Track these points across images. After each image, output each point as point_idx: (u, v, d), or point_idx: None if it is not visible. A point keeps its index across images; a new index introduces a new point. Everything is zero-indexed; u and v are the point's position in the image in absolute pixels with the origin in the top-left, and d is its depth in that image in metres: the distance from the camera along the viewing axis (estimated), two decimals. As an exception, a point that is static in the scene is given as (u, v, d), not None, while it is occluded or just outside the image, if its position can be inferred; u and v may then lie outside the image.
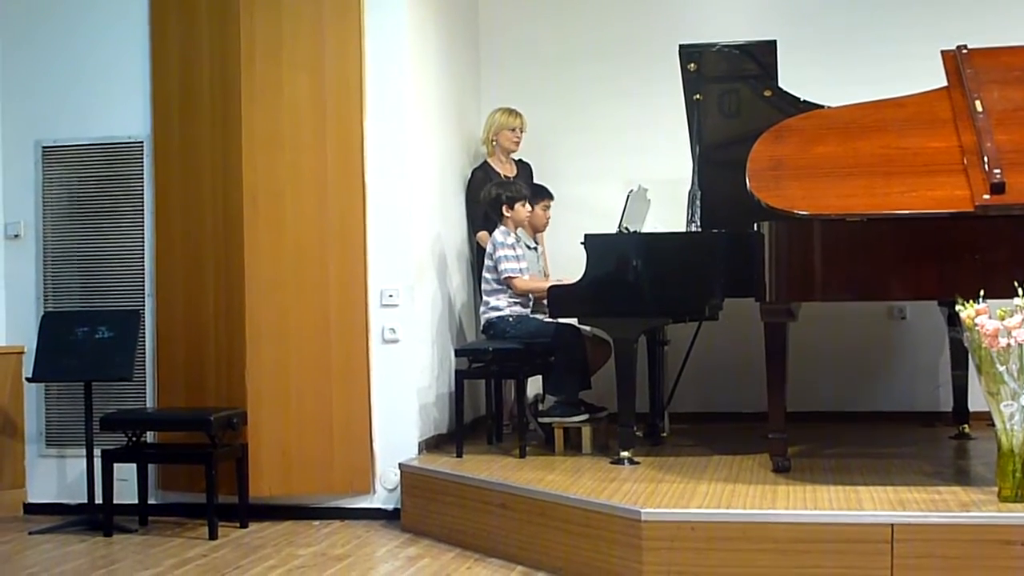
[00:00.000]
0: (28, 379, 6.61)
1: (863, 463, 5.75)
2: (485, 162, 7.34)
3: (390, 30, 6.45)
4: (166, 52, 6.71)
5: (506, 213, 6.69)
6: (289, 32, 6.43)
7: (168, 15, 6.71)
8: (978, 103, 5.52)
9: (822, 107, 6.02)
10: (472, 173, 7.35)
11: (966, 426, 6.53)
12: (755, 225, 5.59)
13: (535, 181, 7.23)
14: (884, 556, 4.56)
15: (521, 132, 7.33)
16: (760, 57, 6.32)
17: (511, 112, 7.32)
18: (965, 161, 5.30)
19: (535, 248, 6.97)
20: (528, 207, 6.77)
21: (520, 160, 7.44)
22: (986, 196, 5.12)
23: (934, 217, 5.18)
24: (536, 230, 7.03)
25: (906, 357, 7.39)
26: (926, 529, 4.56)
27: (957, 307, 4.88)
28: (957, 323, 4.99)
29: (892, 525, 4.57)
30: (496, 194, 6.73)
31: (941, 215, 5.17)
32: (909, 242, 5.23)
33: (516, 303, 6.60)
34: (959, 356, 6.45)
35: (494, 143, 7.32)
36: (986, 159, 5.24)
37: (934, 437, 6.61)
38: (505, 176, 7.21)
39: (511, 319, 6.56)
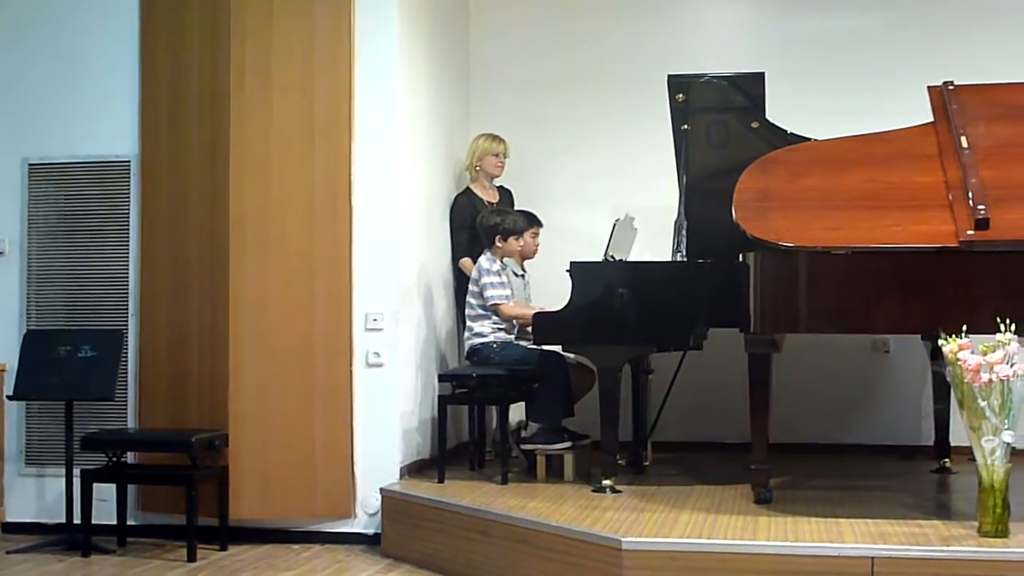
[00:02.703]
0: (9, 397, 6.58)
1: (845, 495, 5.76)
2: (468, 188, 7.36)
3: (380, 56, 6.48)
4: (155, 72, 6.72)
5: (498, 243, 6.70)
6: (279, 56, 6.45)
7: (158, 35, 6.72)
8: (963, 139, 5.57)
9: (809, 139, 6.06)
10: (455, 199, 7.36)
11: (947, 460, 6.55)
12: (740, 256, 5.62)
13: (517, 207, 7.25)
14: (864, 589, 4.56)
15: (504, 158, 7.35)
16: (748, 89, 6.35)
17: (494, 138, 7.34)
18: (950, 196, 5.34)
19: (522, 276, 6.99)
20: (520, 241, 6.78)
21: (501, 186, 7.46)
22: (970, 232, 5.16)
23: (919, 251, 5.21)
24: (525, 258, 7.04)
25: (889, 390, 7.41)
26: (906, 563, 4.57)
27: (940, 342, 4.92)
28: (940, 357, 5.03)
29: (872, 558, 4.58)
30: (494, 223, 6.73)
31: (925, 249, 5.20)
32: (893, 276, 5.26)
33: (500, 329, 6.61)
34: (941, 390, 6.47)
35: (477, 168, 7.33)
36: (971, 195, 5.28)
37: (915, 471, 6.62)
38: (488, 202, 7.23)
39: (495, 345, 6.57)
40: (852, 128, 5.84)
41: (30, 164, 6.93)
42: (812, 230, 5.36)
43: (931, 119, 5.77)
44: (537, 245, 7.03)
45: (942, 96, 5.82)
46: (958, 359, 4.80)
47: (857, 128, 5.82)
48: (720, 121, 6.40)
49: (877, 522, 5.04)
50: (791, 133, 6.22)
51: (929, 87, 5.89)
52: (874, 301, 5.31)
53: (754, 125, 6.31)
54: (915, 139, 5.67)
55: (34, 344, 6.55)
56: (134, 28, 6.77)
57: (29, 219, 6.93)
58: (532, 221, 7.00)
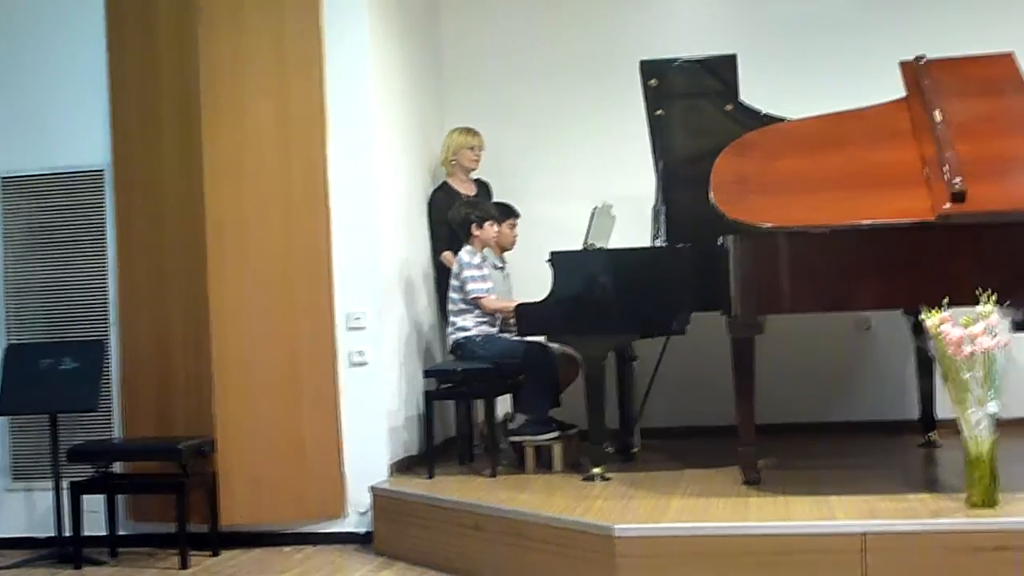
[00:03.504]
0: (-8, 413, 6.58)
1: (834, 473, 5.80)
2: (445, 182, 7.35)
3: (351, 52, 6.48)
4: (125, 79, 6.72)
5: (474, 232, 6.70)
6: (249, 57, 6.43)
7: (125, 41, 6.71)
8: (937, 113, 5.58)
9: (783, 120, 6.08)
10: (432, 194, 7.35)
11: (933, 434, 6.58)
12: (720, 239, 5.63)
13: (495, 200, 7.25)
14: (856, 566, 4.60)
15: (480, 151, 7.34)
16: (721, 72, 6.34)
17: (469, 131, 7.33)
18: (926, 171, 5.36)
19: (502, 268, 7.00)
20: (496, 226, 6.79)
21: (479, 179, 7.45)
22: (946, 205, 5.17)
23: (897, 227, 5.23)
24: (503, 249, 7.06)
25: (873, 367, 7.43)
26: (897, 537, 4.60)
27: (922, 316, 4.94)
28: (922, 332, 5.05)
29: (864, 534, 4.61)
30: (465, 214, 6.75)
31: (903, 225, 5.22)
32: (873, 253, 5.29)
33: (483, 323, 6.62)
34: (925, 365, 6.50)
35: (453, 163, 7.32)
36: (946, 169, 5.29)
37: (902, 445, 6.64)
38: (466, 195, 7.23)
39: (479, 339, 6.58)
40: (827, 107, 5.84)
41: (2, 177, 6.91)
42: (790, 210, 5.38)
43: (903, 95, 5.78)
44: (515, 236, 7.06)
45: (914, 71, 5.85)
46: (940, 332, 4.82)
47: (832, 107, 5.83)
48: (694, 105, 6.39)
49: (867, 498, 5.06)
50: (765, 114, 6.22)
51: (901, 62, 5.91)
52: (855, 278, 5.33)
53: (728, 108, 6.30)
54: (889, 116, 5.69)
55: (15, 358, 6.54)
56: (101, 36, 6.76)
57: (3, 232, 6.91)
58: (509, 212, 7.02)
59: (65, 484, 6.34)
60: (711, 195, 5.51)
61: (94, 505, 6.41)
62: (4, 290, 6.91)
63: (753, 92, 6.37)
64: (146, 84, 6.66)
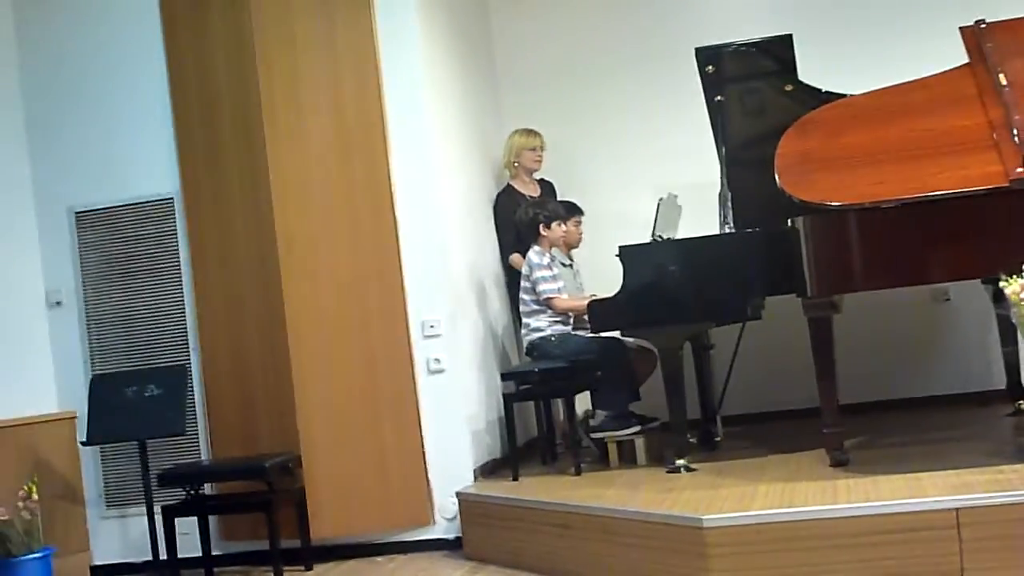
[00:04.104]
0: (83, 443, 6.63)
1: (921, 449, 5.70)
2: (509, 185, 7.34)
3: (405, 65, 6.47)
4: (187, 106, 6.81)
5: (543, 233, 6.69)
6: (307, 76, 6.46)
7: (185, 69, 6.81)
8: (1002, 76, 5.46)
9: (844, 96, 5.98)
10: (497, 198, 7.35)
11: (1022, 402, 6.45)
12: (789, 221, 5.56)
13: (560, 198, 7.23)
14: (952, 542, 4.51)
15: (542, 151, 7.33)
16: (777, 52, 6.26)
17: (530, 132, 7.32)
18: (995, 136, 5.25)
19: (570, 265, 6.97)
20: (563, 226, 6.78)
21: (542, 179, 7.43)
22: (1020, 169, 5.05)
23: (969, 195, 5.10)
24: (570, 247, 7.03)
25: (954, 338, 7.32)
26: (992, 511, 4.50)
27: (1001, 283, 4.83)
28: (1003, 300, 4.94)
29: (957, 510, 4.52)
30: (532, 215, 6.74)
31: (976, 192, 5.10)
32: (946, 223, 5.16)
33: (557, 322, 6.59)
34: (1008, 332, 6.38)
35: (516, 165, 7.31)
36: (1016, 132, 5.18)
37: (991, 416, 6.51)
38: (531, 196, 7.21)
39: (553, 338, 6.55)
40: (886, 80, 5.75)
41: (76, 212, 7.02)
42: (858, 187, 5.30)
43: (966, 61, 5.67)
44: (581, 234, 7.04)
45: (975, 36, 5.72)
46: (1021, 299, 4.70)
47: (891, 80, 5.74)
48: (753, 88, 6.32)
49: (958, 472, 4.96)
50: (826, 92, 6.12)
51: (961, 28, 5.79)
52: (929, 251, 5.22)
53: (788, 88, 6.22)
54: (952, 82, 5.59)
55: (101, 388, 6.59)
56: (161, 65, 6.86)
57: (82, 266, 7.03)
58: (573, 210, 7.00)
59: (158, 508, 6.38)
60: (777, 177, 5.45)
61: (187, 527, 6.45)
62: (86, 322, 7.00)
63: (811, 70, 6.28)
64: (207, 109, 6.75)
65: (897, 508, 4.61)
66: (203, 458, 6.76)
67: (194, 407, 6.75)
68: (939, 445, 5.78)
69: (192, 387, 6.73)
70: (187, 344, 6.82)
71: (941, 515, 4.54)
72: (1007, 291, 4.78)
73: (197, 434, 6.77)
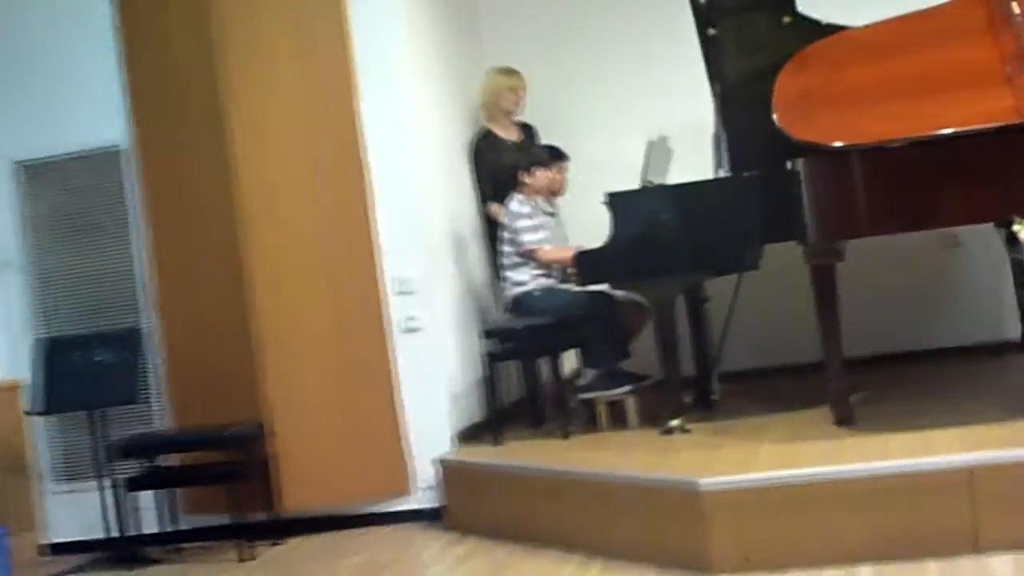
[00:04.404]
0: (27, 412, 6.67)
1: (932, 404, 5.76)
2: (486, 128, 7.35)
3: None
4: (138, 48, 6.77)
5: (525, 180, 6.72)
6: (268, 10, 6.47)
7: (136, 6, 6.76)
8: (1015, 5, 5.47)
9: (846, 29, 5.98)
10: (474, 142, 7.35)
11: (1038, 352, 6.54)
12: (789, 163, 5.61)
13: (541, 143, 7.24)
14: (964, 502, 4.59)
15: (522, 91, 7.33)
16: (775, -19, 6.29)
17: (509, 71, 7.33)
18: (1007, 69, 5.28)
19: (554, 214, 7.00)
20: (548, 173, 6.81)
21: (522, 122, 7.45)
22: (1034, 104, 5.11)
23: (980, 133, 5.13)
24: (554, 195, 7.05)
25: (966, 286, 7.38)
26: (1007, 469, 4.58)
27: (1015, 227, 4.89)
28: (1017, 243, 5.00)
29: (970, 468, 4.59)
30: (514, 161, 6.75)
31: (988, 130, 5.13)
32: (956, 163, 5.19)
33: (541, 275, 6.64)
34: (1022, 278, 6.45)
35: (494, 106, 7.33)
36: (1030, 64, 5.23)
37: (1005, 368, 6.59)
38: (510, 141, 7.23)
39: (537, 293, 6.61)
40: (891, 11, 5.77)
41: (18, 164, 7.00)
42: (862, 125, 5.33)
43: (976, -12, 5.71)
44: (565, 180, 7.05)
45: (986, -38, 5.76)
46: (1037, 243, 4.78)
47: (897, 11, 5.75)
48: (748, 21, 6.28)
49: (971, 428, 5.04)
50: (827, 24, 6.10)
51: (971, -46, 5.82)
52: (938, 193, 5.25)
53: (786, 20, 6.18)
54: (962, 12, 5.60)
55: (47, 354, 6.58)
56: (107, 4, 6.81)
57: (26, 223, 7.01)
58: (557, 155, 7.01)
59: (113, 482, 6.43)
60: (775, 116, 5.49)
61: (147, 502, 6.51)
62: (31, 282, 7.01)
63: (811, 2, 6.25)
64: (161, 51, 6.72)
65: (906, 468, 4.69)
66: (162, 427, 6.78)
67: (151, 373, 6.78)
68: (950, 400, 5.84)
69: (147, 351, 6.75)
70: (142, 305, 6.84)
71: (953, 474, 4.61)
72: (1021, 235, 4.85)
73: (155, 402, 6.81)
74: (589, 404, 6.57)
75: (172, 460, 6.66)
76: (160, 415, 6.84)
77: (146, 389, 6.77)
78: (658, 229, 5.95)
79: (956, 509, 4.61)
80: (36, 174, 7.00)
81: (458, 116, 7.35)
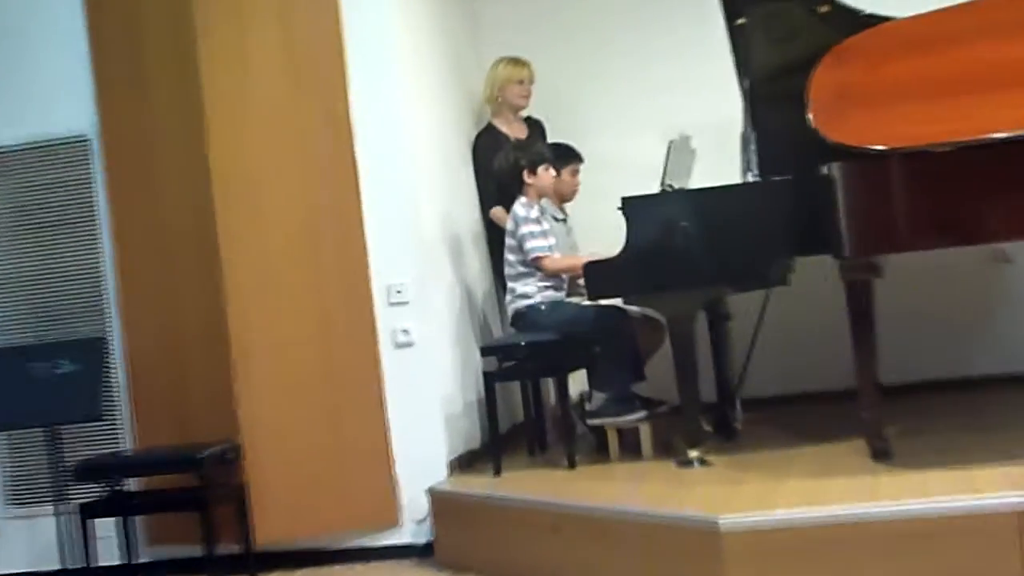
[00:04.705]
0: (-24, 429, 6.67)
1: (977, 438, 5.74)
2: (490, 124, 7.37)
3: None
4: (106, 27, 6.77)
5: (528, 181, 6.69)
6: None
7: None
8: (1075, -4, 5.51)
9: (889, 20, 5.97)
10: (476, 139, 7.37)
11: (1096, 383, 6.52)
12: (823, 167, 5.57)
13: (551, 141, 7.24)
14: (1012, 548, 4.54)
15: (530, 84, 7.34)
16: (810, -35, 6.29)
17: (516, 62, 7.33)
18: (1066, 67, 5.30)
19: (563, 220, 6.99)
20: (553, 172, 6.78)
21: (529, 118, 7.45)
22: (1098, 106, 5.10)
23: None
24: (563, 199, 7.07)
25: (1016, 308, 7.38)
26: (1061, 511, 4.55)
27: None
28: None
29: (1019, 511, 4.54)
30: (515, 159, 6.75)
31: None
32: (1008, 170, 5.16)
33: (547, 287, 6.61)
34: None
35: (499, 100, 7.34)
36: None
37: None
38: (516, 139, 7.22)
39: (543, 307, 6.57)
40: (938, 2, 5.77)
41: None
42: (904, 126, 5.34)
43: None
44: (578, 183, 7.06)
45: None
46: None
47: (944, 1, 5.75)
48: (781, 9, 6.24)
49: (1019, 466, 4.99)
50: (867, 15, 6.09)
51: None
52: (989, 203, 5.21)
53: (823, 10, 6.16)
54: (1015, 3, 5.60)
55: (1, 363, 6.55)
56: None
57: (-16, 217, 7.00)
58: (570, 155, 7.02)
59: (71, 507, 6.39)
60: (808, 115, 5.49)
61: (107, 530, 6.47)
62: (-15, 284, 7.00)
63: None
64: (131, 29, 6.72)
65: (947, 508, 4.64)
66: (126, 448, 6.75)
67: (116, 387, 6.76)
68: (998, 433, 5.82)
69: (112, 363, 6.73)
70: (108, 312, 6.82)
71: (1000, 517, 4.56)
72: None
73: (120, 419, 6.78)
74: (598, 431, 6.55)
75: (137, 484, 6.63)
76: (125, 434, 6.81)
77: (110, 405, 6.72)
78: (678, 238, 5.92)
79: (1003, 555, 4.56)
80: (-6, 165, 6.99)
81: (457, 110, 7.37)
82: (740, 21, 6.31)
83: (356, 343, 6.43)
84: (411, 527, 6.45)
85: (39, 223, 6.93)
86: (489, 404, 6.50)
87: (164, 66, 6.63)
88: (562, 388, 6.47)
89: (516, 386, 7.02)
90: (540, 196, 6.77)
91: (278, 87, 6.44)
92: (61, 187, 6.89)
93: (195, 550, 6.27)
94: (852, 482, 5.15)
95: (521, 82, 7.32)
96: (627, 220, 6.00)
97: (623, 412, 6.42)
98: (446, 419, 6.56)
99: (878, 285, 5.50)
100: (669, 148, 6.39)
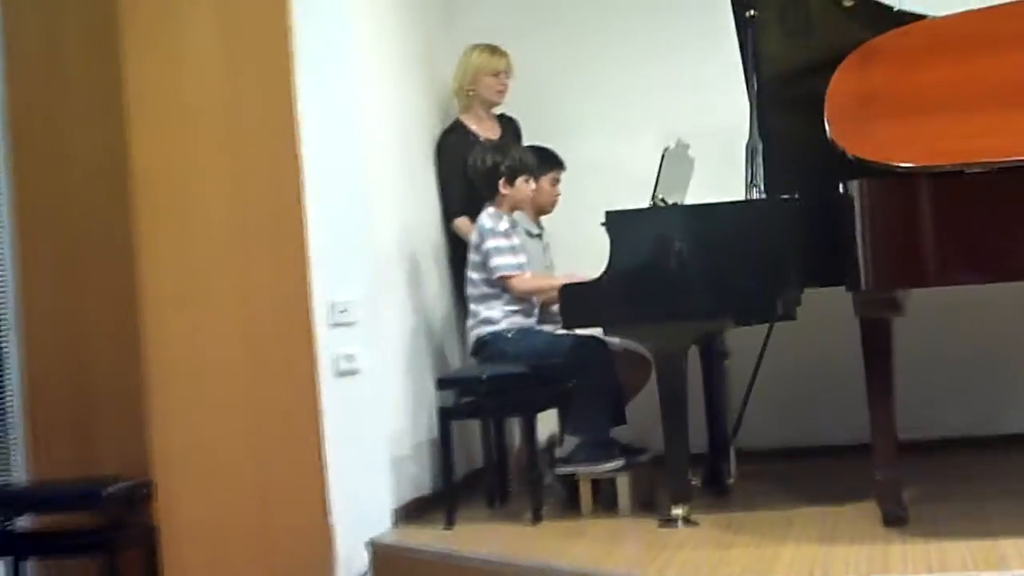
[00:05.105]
0: None
1: (1005, 505, 5.70)
2: (458, 120, 7.42)
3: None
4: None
5: (503, 190, 6.72)
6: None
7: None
8: None
9: (923, 18, 6.03)
10: (441, 137, 7.42)
11: None
12: (841, 185, 5.53)
13: (525, 144, 7.26)
14: (1044, 633, 4.55)
15: (507, 77, 7.39)
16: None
17: (493, 50, 7.37)
18: None
19: (539, 235, 7.01)
20: (531, 183, 6.77)
21: (503, 115, 7.49)
22: None
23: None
24: (541, 211, 7.10)
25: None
26: (1100, 592, 4.55)
27: None
28: None
29: (1053, 590, 4.56)
30: (492, 164, 6.77)
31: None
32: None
33: (515, 311, 6.62)
34: None
35: (471, 93, 7.38)
36: None
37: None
38: (487, 139, 7.24)
39: (510, 334, 6.58)
40: (980, 1, 5.86)
41: None
42: (937, 142, 5.38)
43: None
44: (557, 195, 7.10)
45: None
46: None
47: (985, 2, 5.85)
48: (798, 1, 6.31)
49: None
50: (900, 11, 6.17)
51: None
52: (1030, 233, 5.29)
53: (847, 3, 6.20)
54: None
55: None
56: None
57: None
58: (551, 162, 7.05)
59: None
60: (827, 125, 5.50)
61: (-6, 575, 6.41)
62: None
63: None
64: (46, 6, 6.68)
65: (971, 585, 4.65)
66: (19, 480, 6.67)
67: (9, 410, 6.65)
68: (1027, 500, 5.88)
69: (8, 383, 6.65)
70: (3, 324, 6.72)
71: (1029, 596, 4.58)
72: None
73: (11, 445, 6.67)
74: (568, 481, 6.55)
75: (31, 522, 6.52)
76: (18, 464, 6.72)
77: (2, 430, 6.66)
78: (669, 261, 5.90)
79: (1033, 642, 4.58)
80: None
81: (423, 104, 7.41)
82: (750, 13, 6.33)
83: (291, 368, 6.40)
84: (349, 585, 6.44)
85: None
86: (444, 445, 6.47)
87: (83, 44, 6.59)
88: (529, 430, 6.46)
89: (476, 426, 7.01)
90: (513, 209, 6.78)
91: (212, 75, 6.43)
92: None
93: (96, 603, 6.24)
94: (860, 551, 5.13)
95: (497, 74, 7.36)
96: (611, 238, 6.00)
97: (599, 460, 6.39)
98: (392, 461, 6.53)
99: (898, 324, 5.49)
100: (663, 156, 6.37)
